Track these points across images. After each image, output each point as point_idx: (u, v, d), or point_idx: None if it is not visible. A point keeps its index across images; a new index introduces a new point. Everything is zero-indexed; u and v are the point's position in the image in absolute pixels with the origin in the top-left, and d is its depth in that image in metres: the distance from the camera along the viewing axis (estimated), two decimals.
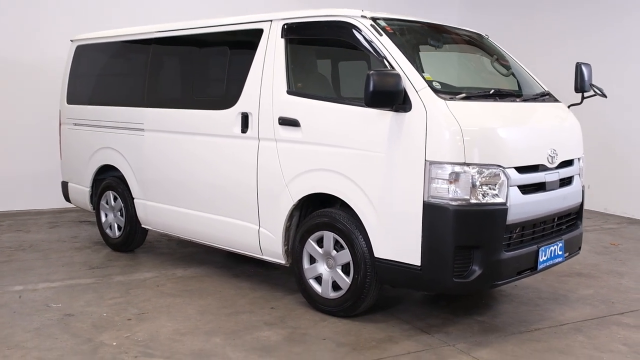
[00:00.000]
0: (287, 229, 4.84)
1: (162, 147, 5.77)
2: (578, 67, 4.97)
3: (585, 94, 5.02)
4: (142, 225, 6.18)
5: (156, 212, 5.92)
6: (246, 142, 5.00)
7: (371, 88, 3.97)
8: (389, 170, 4.19)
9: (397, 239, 4.18)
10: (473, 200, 3.99)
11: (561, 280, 5.67)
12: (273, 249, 4.93)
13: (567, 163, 4.70)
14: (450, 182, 3.96)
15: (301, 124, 4.64)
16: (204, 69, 5.64)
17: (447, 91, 4.19)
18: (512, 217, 4.13)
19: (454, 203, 3.95)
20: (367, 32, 4.37)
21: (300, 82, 4.80)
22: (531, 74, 5.22)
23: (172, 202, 5.73)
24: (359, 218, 4.38)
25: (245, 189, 5.03)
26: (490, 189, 4.04)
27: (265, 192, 4.90)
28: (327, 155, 4.51)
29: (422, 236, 4.04)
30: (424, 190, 4.02)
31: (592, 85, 5.01)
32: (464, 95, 4.20)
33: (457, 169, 3.95)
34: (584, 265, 6.19)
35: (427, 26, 5.03)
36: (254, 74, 4.96)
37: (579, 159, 4.90)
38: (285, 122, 4.73)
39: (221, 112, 5.18)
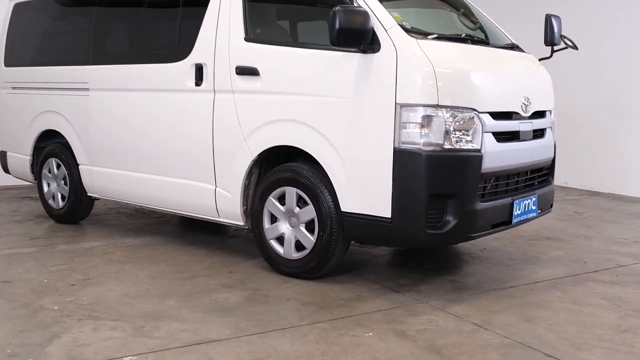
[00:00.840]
0: (246, 188, 4.50)
1: (109, 107, 5.34)
2: (548, 19, 4.78)
3: (556, 47, 4.85)
4: (88, 194, 5.73)
5: (103, 178, 5.49)
6: (201, 95, 4.63)
7: (337, 25, 3.67)
8: (356, 117, 3.90)
9: (366, 191, 3.89)
10: (447, 146, 3.73)
11: (530, 243, 5.49)
12: (231, 210, 4.58)
13: (540, 114, 4.51)
14: (423, 126, 3.69)
15: (260, 73, 4.30)
16: (154, 19, 5.22)
17: (418, 31, 3.92)
18: (487, 165, 3.89)
19: (426, 148, 3.69)
20: None
21: (260, 28, 4.47)
22: (499, 27, 5.01)
23: (121, 166, 5.31)
24: (324, 171, 4.07)
25: (200, 147, 4.66)
26: (464, 134, 3.80)
27: (222, 148, 4.55)
28: (288, 105, 4.18)
29: (393, 185, 3.76)
30: (395, 135, 3.74)
31: (562, 36, 4.83)
32: (435, 35, 3.94)
33: (430, 111, 3.68)
34: (551, 230, 6.03)
35: None
36: (209, 22, 4.59)
37: (550, 111, 4.72)
38: (244, 71, 4.38)
39: (173, 64, 4.79)
